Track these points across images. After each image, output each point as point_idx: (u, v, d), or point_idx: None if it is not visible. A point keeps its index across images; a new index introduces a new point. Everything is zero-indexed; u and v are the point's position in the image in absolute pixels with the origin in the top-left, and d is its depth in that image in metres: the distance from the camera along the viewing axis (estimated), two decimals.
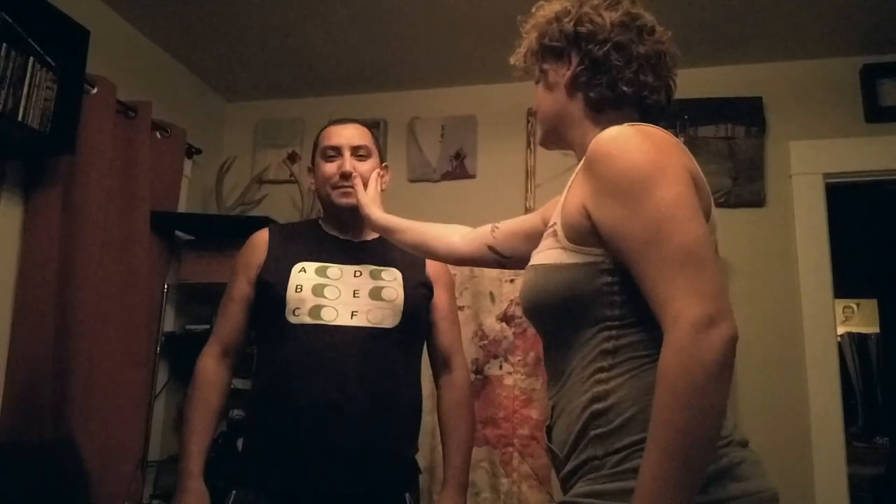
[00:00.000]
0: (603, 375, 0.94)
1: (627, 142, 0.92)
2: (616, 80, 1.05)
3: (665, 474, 0.79)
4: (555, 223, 1.02)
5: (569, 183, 1.04)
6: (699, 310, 0.80)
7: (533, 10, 1.16)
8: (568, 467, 0.97)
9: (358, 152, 1.68)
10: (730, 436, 0.91)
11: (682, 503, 0.79)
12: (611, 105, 1.07)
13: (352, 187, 1.65)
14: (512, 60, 1.19)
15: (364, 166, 1.68)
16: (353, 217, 1.69)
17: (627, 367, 0.93)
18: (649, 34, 1.07)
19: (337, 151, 1.68)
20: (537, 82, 1.17)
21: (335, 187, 1.66)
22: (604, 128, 0.99)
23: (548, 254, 1.00)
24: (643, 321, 0.91)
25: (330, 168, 1.67)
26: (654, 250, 0.85)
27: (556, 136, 1.16)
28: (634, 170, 0.89)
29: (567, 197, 1.02)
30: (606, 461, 0.91)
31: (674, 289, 0.82)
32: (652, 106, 1.08)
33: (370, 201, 1.60)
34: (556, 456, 1.01)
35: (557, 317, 1.00)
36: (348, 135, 1.70)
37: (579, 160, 1.06)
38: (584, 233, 0.95)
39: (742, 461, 0.90)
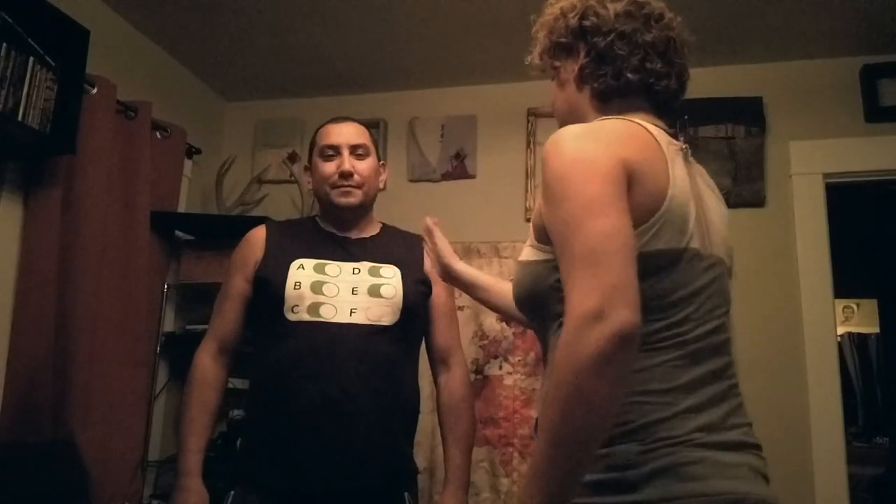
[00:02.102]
0: None
1: (562, 143, 0.94)
2: (621, 68, 1.06)
3: (542, 464, 0.82)
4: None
5: None
6: (586, 305, 0.80)
7: (543, 8, 1.17)
8: None
9: (356, 151, 1.68)
10: (683, 436, 0.89)
11: (555, 493, 0.81)
12: (617, 94, 1.07)
13: (350, 186, 1.65)
14: (527, 60, 1.20)
15: (363, 165, 1.68)
16: (353, 216, 1.68)
17: None
18: (657, 21, 1.08)
19: (335, 150, 1.68)
20: (552, 80, 1.18)
21: (334, 186, 1.66)
22: (610, 116, 1.04)
23: (524, 251, 1.05)
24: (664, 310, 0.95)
25: (329, 167, 1.67)
26: (564, 249, 0.88)
27: None
28: (558, 171, 0.92)
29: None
30: None
31: (571, 286, 0.84)
32: (660, 92, 1.08)
33: (450, 252, 1.51)
34: None
35: (531, 311, 1.07)
36: (347, 133, 1.69)
37: None
38: (543, 231, 0.98)
39: (697, 461, 0.88)
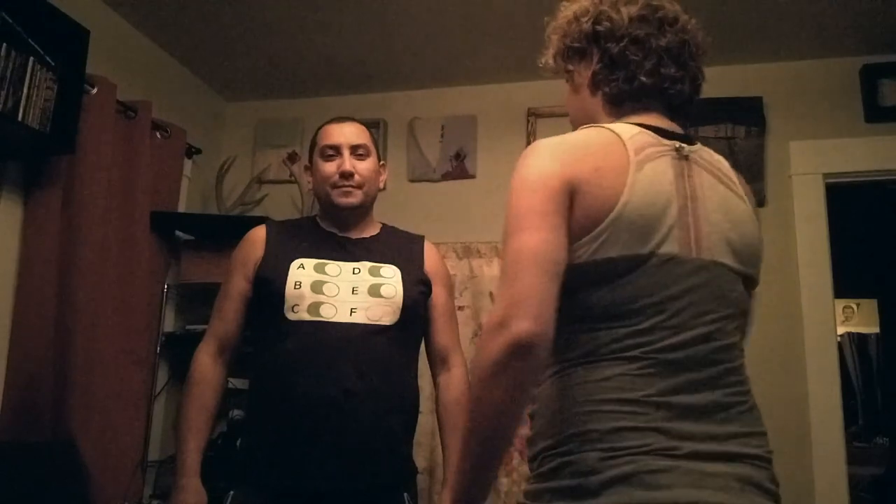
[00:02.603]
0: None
1: (523, 157, 1.01)
2: (634, 73, 1.05)
3: (458, 460, 0.94)
4: None
5: None
6: (494, 316, 0.87)
7: (557, 11, 1.16)
8: None
9: (357, 151, 1.68)
10: (650, 445, 0.88)
11: (466, 487, 0.93)
12: (629, 97, 1.07)
13: (351, 186, 1.65)
14: (541, 63, 1.19)
15: (363, 165, 1.68)
16: (353, 216, 1.68)
17: (552, 371, 0.99)
18: (671, 25, 1.07)
19: (336, 150, 1.67)
20: (567, 82, 1.17)
21: (335, 186, 1.66)
22: (623, 120, 1.05)
23: None
24: (567, 322, 0.94)
25: (329, 167, 1.67)
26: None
27: None
28: (511, 185, 0.99)
29: None
30: (532, 463, 0.99)
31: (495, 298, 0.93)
32: (675, 96, 1.08)
33: None
34: None
35: None
36: (348, 133, 1.69)
37: None
38: None
39: (665, 469, 0.86)
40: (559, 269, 0.90)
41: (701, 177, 1.03)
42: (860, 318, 5.62)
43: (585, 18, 1.09)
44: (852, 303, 5.58)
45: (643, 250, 0.94)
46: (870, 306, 5.49)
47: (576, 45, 1.11)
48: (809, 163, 2.59)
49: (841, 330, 5.34)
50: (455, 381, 1.69)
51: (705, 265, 0.97)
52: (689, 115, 1.12)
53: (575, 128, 1.13)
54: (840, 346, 2.98)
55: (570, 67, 1.13)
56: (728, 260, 1.00)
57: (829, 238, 2.53)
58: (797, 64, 2.68)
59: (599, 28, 1.07)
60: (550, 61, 1.16)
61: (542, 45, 1.19)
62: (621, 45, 1.05)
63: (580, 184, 0.94)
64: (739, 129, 2.64)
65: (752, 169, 2.62)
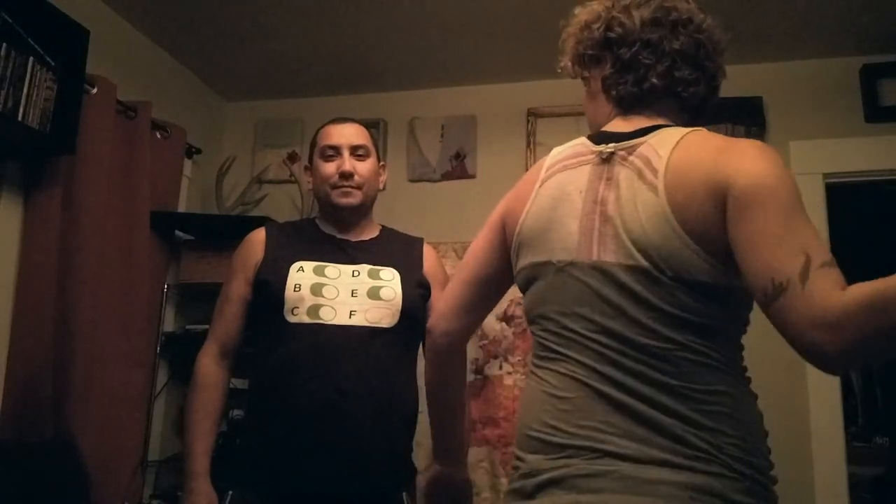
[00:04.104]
0: None
1: None
2: (645, 76, 1.04)
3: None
4: None
5: None
6: None
7: (571, 17, 1.15)
8: None
9: (357, 152, 1.68)
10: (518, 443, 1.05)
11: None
12: (639, 100, 1.05)
13: (351, 187, 1.65)
14: (559, 68, 1.18)
15: (363, 166, 1.68)
16: (352, 217, 1.68)
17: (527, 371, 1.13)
18: (684, 26, 1.05)
19: (336, 151, 1.68)
20: (585, 87, 1.17)
21: (335, 187, 1.66)
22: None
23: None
24: (532, 322, 1.07)
25: (329, 168, 1.67)
26: None
27: None
28: None
29: None
30: None
31: None
32: (689, 98, 1.06)
33: None
34: None
35: None
36: (348, 134, 1.69)
37: None
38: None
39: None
40: (470, 277, 1.19)
41: (619, 176, 0.98)
42: None
43: (597, 25, 1.08)
44: None
45: (542, 258, 1.02)
46: None
47: (590, 52, 1.10)
48: (809, 163, 2.59)
49: None
50: None
51: (602, 267, 0.95)
52: (709, 114, 1.11)
53: (591, 131, 1.13)
54: None
55: (586, 74, 1.13)
56: (632, 260, 0.93)
57: (830, 238, 2.53)
58: (797, 64, 2.68)
59: (611, 35, 1.06)
60: (568, 66, 1.16)
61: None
62: (633, 49, 1.04)
63: (506, 212, 1.13)
64: (739, 129, 2.64)
65: None
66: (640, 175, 0.96)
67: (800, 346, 0.82)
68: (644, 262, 0.92)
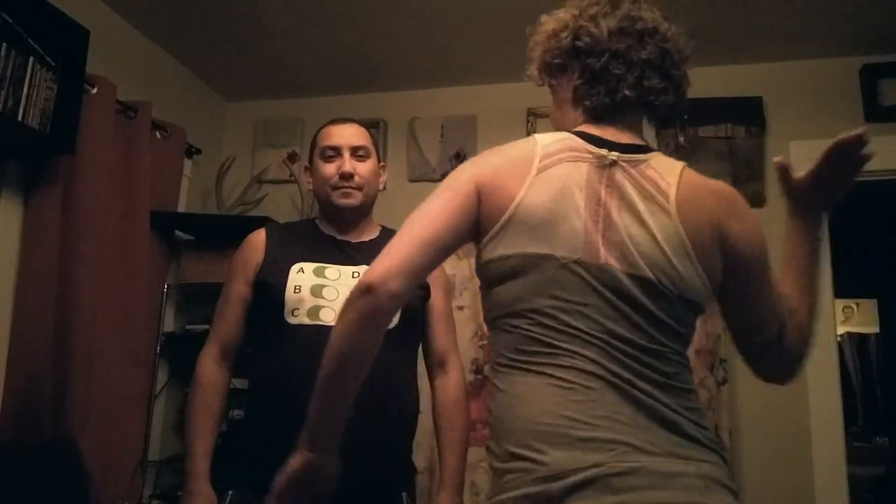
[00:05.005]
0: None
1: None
2: (617, 87, 1.05)
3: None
4: None
5: None
6: None
7: (537, 25, 1.15)
8: None
9: (357, 152, 1.68)
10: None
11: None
12: (610, 111, 1.06)
13: (351, 187, 1.65)
14: (526, 76, 1.18)
15: (363, 166, 1.68)
16: (353, 217, 1.68)
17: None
18: (651, 36, 1.06)
19: (336, 151, 1.67)
20: (552, 95, 1.17)
21: (335, 188, 1.66)
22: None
23: None
24: (515, 316, 1.01)
25: (329, 168, 1.67)
26: None
27: None
28: None
29: None
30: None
31: None
32: (660, 107, 1.08)
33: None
34: None
35: None
36: (348, 135, 1.69)
37: None
38: None
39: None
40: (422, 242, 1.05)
41: (623, 185, 1.01)
42: (860, 318, 5.62)
43: (565, 34, 1.08)
44: (852, 303, 5.57)
45: (542, 251, 0.97)
46: (870, 306, 5.49)
47: (557, 60, 1.10)
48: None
49: (841, 330, 5.34)
50: (452, 384, 1.70)
51: (609, 271, 0.97)
52: (677, 122, 1.12)
53: None
54: (840, 346, 2.98)
55: (553, 82, 1.13)
56: (637, 270, 0.97)
57: (830, 238, 2.53)
58: (797, 64, 2.68)
59: (579, 43, 1.06)
60: (535, 74, 1.16)
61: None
62: (603, 59, 1.04)
63: (482, 187, 1.04)
64: (739, 129, 2.64)
65: (752, 169, 2.62)
66: (650, 196, 1.01)
67: (788, 371, 1.13)
68: (650, 275, 0.97)
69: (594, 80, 1.06)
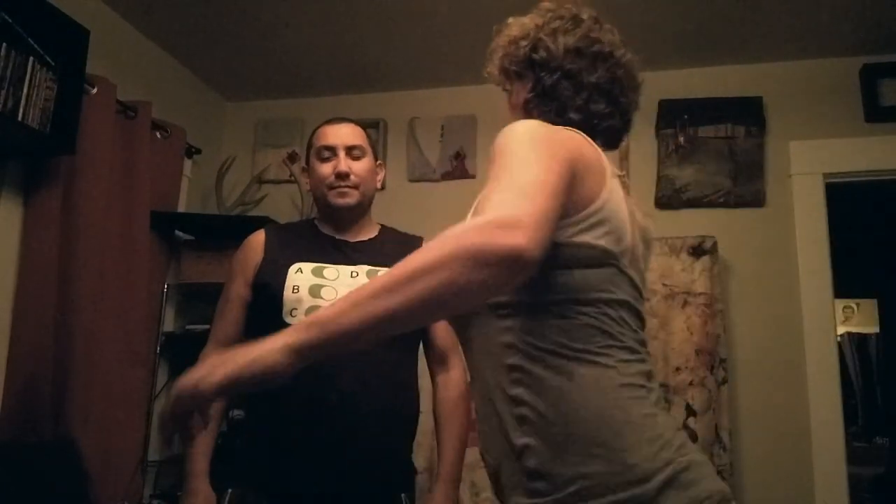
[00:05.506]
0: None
1: (522, 123, 0.99)
2: (565, 107, 1.06)
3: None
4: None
5: None
6: (505, 211, 0.81)
7: (503, 26, 1.16)
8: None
9: (353, 152, 1.67)
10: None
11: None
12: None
13: (347, 187, 1.65)
14: (486, 74, 1.19)
15: (359, 166, 1.67)
16: (350, 217, 1.68)
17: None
18: (604, 60, 1.07)
19: (332, 151, 1.67)
20: (507, 97, 1.18)
21: (331, 187, 1.66)
22: None
23: None
24: (591, 304, 0.96)
25: (325, 168, 1.67)
26: None
27: None
28: (513, 141, 0.96)
29: None
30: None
31: None
32: (604, 131, 1.09)
33: None
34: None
35: None
36: (343, 134, 1.69)
37: None
38: None
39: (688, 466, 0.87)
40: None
41: (632, 202, 1.04)
42: (860, 318, 5.62)
43: (525, 43, 1.09)
44: (852, 303, 5.58)
45: (619, 248, 0.96)
46: (870, 306, 5.49)
47: (514, 67, 1.11)
48: (809, 163, 2.60)
49: (841, 330, 5.34)
50: (453, 381, 1.70)
51: (643, 280, 1.05)
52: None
53: None
54: (840, 346, 2.98)
55: (508, 87, 1.15)
56: (643, 283, 1.06)
57: (829, 238, 2.53)
58: (797, 64, 2.68)
59: (535, 56, 1.08)
60: (494, 73, 1.17)
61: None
62: (555, 77, 1.06)
63: (577, 169, 0.91)
64: (739, 129, 2.64)
65: (752, 169, 2.62)
66: (641, 215, 1.05)
67: None
68: (642, 287, 1.03)
69: (545, 95, 1.08)
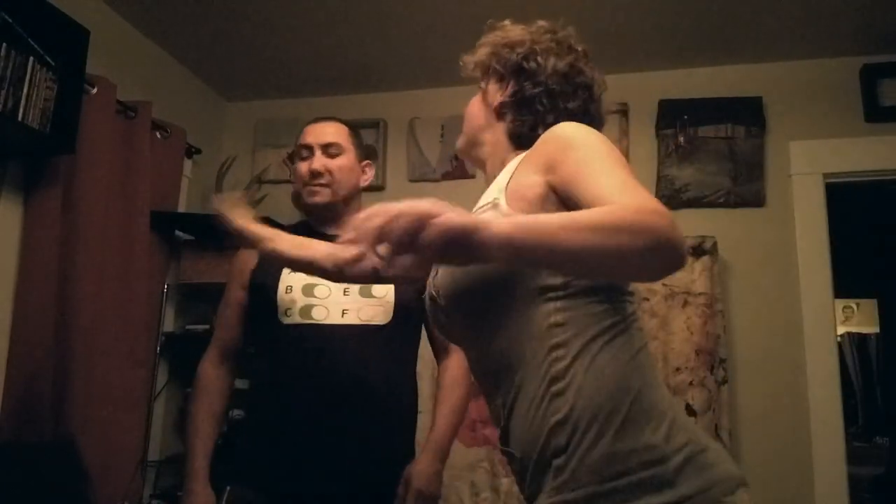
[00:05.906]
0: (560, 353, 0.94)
1: (586, 130, 1.01)
2: (536, 123, 1.08)
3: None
4: (495, 199, 1.03)
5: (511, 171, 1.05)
6: (650, 202, 0.85)
7: (500, 26, 1.17)
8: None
9: (329, 150, 1.67)
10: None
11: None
12: (527, 141, 1.08)
13: (319, 185, 1.65)
14: (461, 64, 1.20)
15: (334, 163, 1.66)
16: (329, 215, 1.68)
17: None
18: (584, 91, 1.10)
19: (309, 150, 1.68)
20: (480, 89, 1.19)
21: (305, 185, 1.67)
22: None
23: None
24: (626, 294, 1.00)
25: (302, 167, 1.67)
26: None
27: (474, 148, 1.19)
28: (596, 143, 0.97)
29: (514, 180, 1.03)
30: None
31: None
32: None
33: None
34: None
35: (490, 296, 0.99)
36: (318, 133, 1.69)
37: (488, 178, 1.13)
38: (535, 200, 0.98)
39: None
40: None
41: None
42: (860, 318, 5.63)
43: (520, 50, 1.11)
44: (852, 303, 5.58)
45: None
46: (870, 306, 5.50)
47: (499, 68, 1.13)
48: (809, 163, 2.60)
49: (841, 330, 5.34)
50: (454, 363, 1.69)
51: None
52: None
53: (468, 137, 1.18)
54: (840, 346, 2.98)
55: (483, 85, 1.16)
56: None
57: (829, 238, 2.53)
58: (797, 64, 2.68)
59: (526, 65, 1.10)
60: (470, 67, 1.18)
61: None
62: (536, 90, 1.08)
63: None
64: (739, 129, 2.64)
65: (752, 169, 2.62)
66: None
67: None
68: None
69: (521, 105, 1.10)
